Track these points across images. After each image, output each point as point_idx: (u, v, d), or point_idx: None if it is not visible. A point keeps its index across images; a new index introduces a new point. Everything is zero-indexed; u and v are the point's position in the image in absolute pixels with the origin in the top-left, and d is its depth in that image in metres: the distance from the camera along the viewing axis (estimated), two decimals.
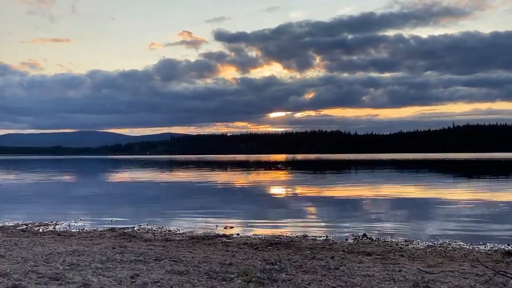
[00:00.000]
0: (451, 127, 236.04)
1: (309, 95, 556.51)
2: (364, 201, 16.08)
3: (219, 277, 5.21)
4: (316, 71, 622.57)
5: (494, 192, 19.31)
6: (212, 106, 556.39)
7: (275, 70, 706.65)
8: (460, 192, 19.16)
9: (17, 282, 4.83)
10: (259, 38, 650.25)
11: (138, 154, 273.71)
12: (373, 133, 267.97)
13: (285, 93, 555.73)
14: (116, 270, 5.51)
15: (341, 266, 5.90)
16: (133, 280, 5.03)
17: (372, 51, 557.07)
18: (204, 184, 26.00)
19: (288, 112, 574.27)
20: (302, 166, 57.60)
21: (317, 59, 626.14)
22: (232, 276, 5.26)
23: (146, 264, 5.90)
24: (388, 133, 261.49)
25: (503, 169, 43.48)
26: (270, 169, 45.73)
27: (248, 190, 21.74)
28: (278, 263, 6.02)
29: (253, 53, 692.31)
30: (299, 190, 21.10)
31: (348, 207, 14.34)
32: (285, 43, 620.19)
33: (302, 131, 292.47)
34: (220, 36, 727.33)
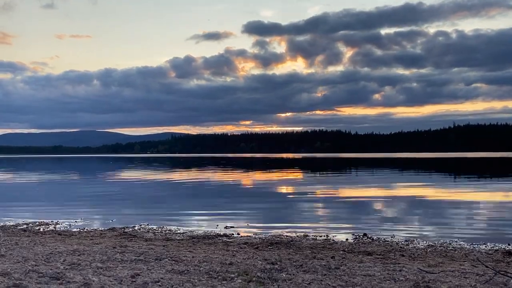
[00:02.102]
0: (452, 126, 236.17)
1: (325, 93, 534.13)
2: (364, 201, 16.08)
3: (219, 277, 5.21)
4: (340, 67, 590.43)
5: (494, 191, 19.31)
6: (223, 105, 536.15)
7: (298, 65, 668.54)
8: (460, 192, 19.16)
9: (17, 282, 4.84)
10: (290, 30, 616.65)
11: (139, 153, 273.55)
12: (374, 133, 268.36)
13: (301, 90, 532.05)
14: (116, 269, 5.52)
15: (341, 266, 5.91)
16: (134, 280, 5.03)
17: (408, 46, 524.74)
18: (204, 183, 26.01)
19: (299, 111, 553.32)
20: (301, 166, 57.60)
21: (346, 55, 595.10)
22: (233, 275, 5.26)
23: (146, 263, 5.91)
24: (389, 133, 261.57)
25: (503, 169, 43.46)
26: (270, 169, 45.73)
27: (248, 189, 21.75)
28: (278, 263, 6.03)
29: (279, 47, 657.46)
30: (300, 189, 21.09)
31: (348, 207, 14.34)
32: (316, 36, 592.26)
33: (303, 130, 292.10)
34: (250, 29, 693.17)
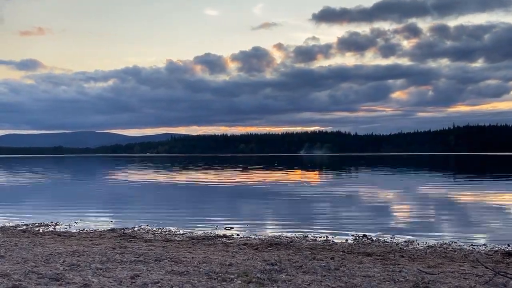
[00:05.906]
0: (452, 127, 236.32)
1: (352, 91, 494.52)
2: (364, 201, 16.07)
3: (219, 278, 5.21)
4: (386, 61, 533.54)
5: (494, 192, 19.30)
6: (240, 103, 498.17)
7: (342, 59, 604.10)
8: (460, 192, 19.15)
9: (17, 283, 4.83)
10: (354, 18, 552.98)
11: (139, 154, 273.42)
12: (373, 134, 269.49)
13: (329, 88, 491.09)
14: (116, 270, 5.51)
15: (341, 267, 5.91)
16: (133, 281, 5.03)
17: (477, 36, 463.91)
18: (204, 184, 26.00)
19: (317, 110, 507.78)
20: (298, 165, 57.61)
21: (403, 47, 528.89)
22: (232, 276, 5.26)
23: (146, 264, 5.91)
24: (388, 134, 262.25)
25: (504, 168, 43.48)
26: (270, 169, 45.72)
27: (247, 190, 21.73)
28: (278, 264, 6.02)
29: (331, 38, 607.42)
30: (299, 189, 21.09)
31: (347, 207, 14.34)
32: (378, 25, 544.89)
33: (303, 131, 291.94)
34: (318, 17, 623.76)
